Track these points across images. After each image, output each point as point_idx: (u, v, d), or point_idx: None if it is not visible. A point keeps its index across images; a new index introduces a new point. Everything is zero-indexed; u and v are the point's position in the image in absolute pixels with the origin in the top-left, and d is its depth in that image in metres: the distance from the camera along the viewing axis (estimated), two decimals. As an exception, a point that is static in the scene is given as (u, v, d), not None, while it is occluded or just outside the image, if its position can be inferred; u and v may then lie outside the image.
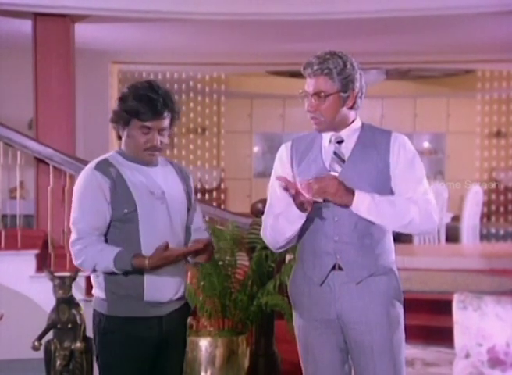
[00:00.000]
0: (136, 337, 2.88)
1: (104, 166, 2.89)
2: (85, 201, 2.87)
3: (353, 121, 2.92)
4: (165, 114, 2.88)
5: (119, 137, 2.97)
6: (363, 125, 2.95)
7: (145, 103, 2.84)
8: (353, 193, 2.78)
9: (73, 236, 2.90)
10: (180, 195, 3.00)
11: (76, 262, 2.92)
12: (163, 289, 2.90)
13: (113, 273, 2.84)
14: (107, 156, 2.97)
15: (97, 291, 2.95)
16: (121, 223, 2.87)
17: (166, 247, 2.79)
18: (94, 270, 2.88)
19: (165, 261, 2.81)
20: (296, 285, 2.99)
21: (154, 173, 2.96)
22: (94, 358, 3.09)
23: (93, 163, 2.93)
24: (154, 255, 2.80)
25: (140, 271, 2.85)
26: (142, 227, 2.86)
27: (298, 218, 2.81)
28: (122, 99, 2.89)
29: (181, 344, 3.07)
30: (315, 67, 2.83)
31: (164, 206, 2.91)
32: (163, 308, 2.92)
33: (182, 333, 3.06)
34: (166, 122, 2.90)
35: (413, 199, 2.83)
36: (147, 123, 2.86)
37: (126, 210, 2.85)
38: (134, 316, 2.88)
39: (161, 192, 2.92)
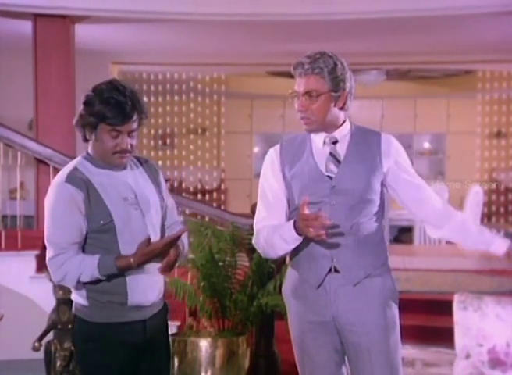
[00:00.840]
0: (120, 342, 2.82)
1: (74, 178, 2.80)
2: (60, 216, 2.79)
3: (343, 122, 2.91)
4: (134, 117, 2.79)
5: (86, 140, 2.88)
6: (352, 124, 2.95)
7: (113, 107, 2.74)
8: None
9: (51, 253, 2.81)
10: (153, 196, 2.92)
11: (56, 279, 2.83)
12: (146, 293, 2.85)
13: (95, 282, 2.78)
14: (75, 165, 2.87)
15: (78, 298, 2.87)
16: (98, 234, 2.80)
17: (148, 242, 2.74)
18: (78, 282, 2.79)
19: (148, 256, 2.75)
20: (290, 287, 2.98)
21: (124, 177, 2.87)
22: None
23: (62, 176, 2.83)
24: (137, 252, 2.74)
25: (121, 275, 2.79)
26: (120, 237, 2.80)
27: (295, 240, 2.79)
28: (88, 103, 2.79)
29: (165, 345, 3.01)
30: (306, 66, 2.81)
31: (138, 212, 2.84)
32: (146, 312, 2.87)
33: (165, 333, 3.01)
34: (135, 124, 2.81)
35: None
36: (117, 127, 2.77)
37: (102, 222, 2.78)
38: (118, 322, 2.82)
39: (134, 197, 2.85)
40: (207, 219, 6.45)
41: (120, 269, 2.76)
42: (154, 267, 2.85)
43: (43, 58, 7.45)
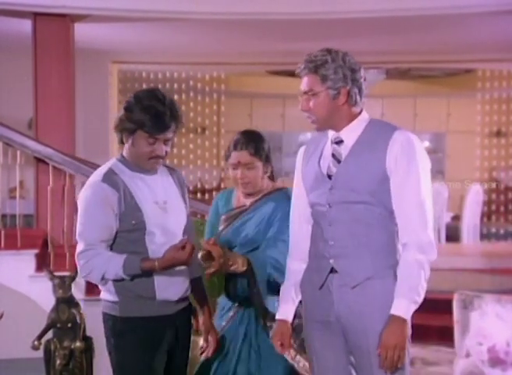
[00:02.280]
0: (152, 336, 2.91)
1: (111, 178, 2.87)
2: (93, 215, 2.85)
3: (354, 118, 2.82)
4: (172, 126, 2.88)
5: (122, 142, 2.95)
6: (370, 121, 2.85)
7: (152, 116, 2.82)
8: (401, 322, 2.73)
9: (80, 248, 2.88)
10: (179, 203, 3.02)
11: (82, 274, 2.91)
12: (173, 288, 2.94)
13: (121, 280, 2.85)
14: (110, 166, 2.94)
15: (107, 295, 2.94)
16: (127, 234, 2.88)
17: (183, 247, 2.80)
18: (103, 279, 2.86)
19: (173, 262, 2.82)
20: (302, 286, 2.98)
21: (155, 181, 2.96)
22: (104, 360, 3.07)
23: (99, 175, 2.89)
24: (164, 257, 2.81)
25: (148, 274, 2.86)
26: (148, 238, 2.88)
27: None
28: (128, 109, 2.86)
29: (188, 344, 3.16)
30: (303, 66, 2.80)
31: (167, 215, 2.93)
32: (173, 307, 2.97)
33: (189, 332, 3.15)
34: (172, 133, 2.90)
35: (413, 255, 2.91)
36: (155, 135, 2.85)
37: (133, 222, 2.86)
38: (148, 316, 2.90)
39: (163, 201, 2.94)
40: (206, 218, 6.43)
41: (144, 271, 2.83)
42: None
43: (42, 57, 7.44)
